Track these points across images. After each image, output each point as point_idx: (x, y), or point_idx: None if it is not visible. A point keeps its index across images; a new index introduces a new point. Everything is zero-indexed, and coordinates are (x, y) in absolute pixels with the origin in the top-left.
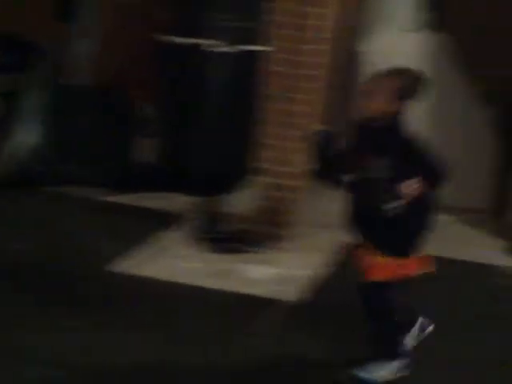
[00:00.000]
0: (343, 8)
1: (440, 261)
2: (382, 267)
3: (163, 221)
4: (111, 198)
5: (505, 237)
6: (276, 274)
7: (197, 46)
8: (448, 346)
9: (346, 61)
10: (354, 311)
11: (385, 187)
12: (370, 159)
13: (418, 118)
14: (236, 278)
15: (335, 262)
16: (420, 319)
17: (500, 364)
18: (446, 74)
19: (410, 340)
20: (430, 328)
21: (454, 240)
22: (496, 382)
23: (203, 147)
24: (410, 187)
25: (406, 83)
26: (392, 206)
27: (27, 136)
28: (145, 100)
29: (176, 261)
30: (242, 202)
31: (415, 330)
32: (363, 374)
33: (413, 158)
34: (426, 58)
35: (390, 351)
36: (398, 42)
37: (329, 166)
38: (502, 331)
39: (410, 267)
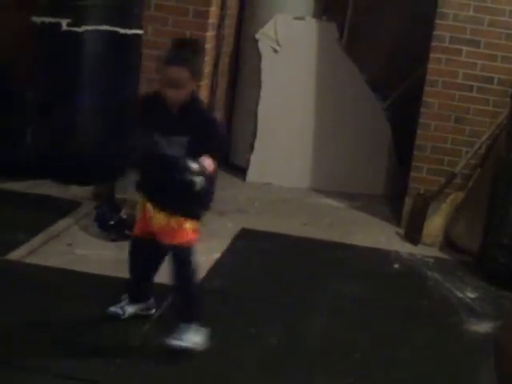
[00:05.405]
0: None
1: (337, 246)
2: (186, 232)
3: (59, 208)
4: (2, 185)
5: (399, 222)
6: None
7: (60, 25)
8: (343, 330)
9: (237, 46)
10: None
11: (189, 163)
12: (172, 137)
13: (308, 106)
14: None
15: (232, 247)
16: None
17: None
18: (339, 62)
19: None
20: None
21: (349, 225)
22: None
23: (89, 133)
24: (209, 162)
25: (195, 66)
26: (199, 181)
27: None
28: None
29: (73, 248)
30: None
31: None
32: (176, 343)
33: (208, 135)
34: (320, 46)
35: (197, 314)
36: (291, 28)
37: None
38: (397, 315)
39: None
